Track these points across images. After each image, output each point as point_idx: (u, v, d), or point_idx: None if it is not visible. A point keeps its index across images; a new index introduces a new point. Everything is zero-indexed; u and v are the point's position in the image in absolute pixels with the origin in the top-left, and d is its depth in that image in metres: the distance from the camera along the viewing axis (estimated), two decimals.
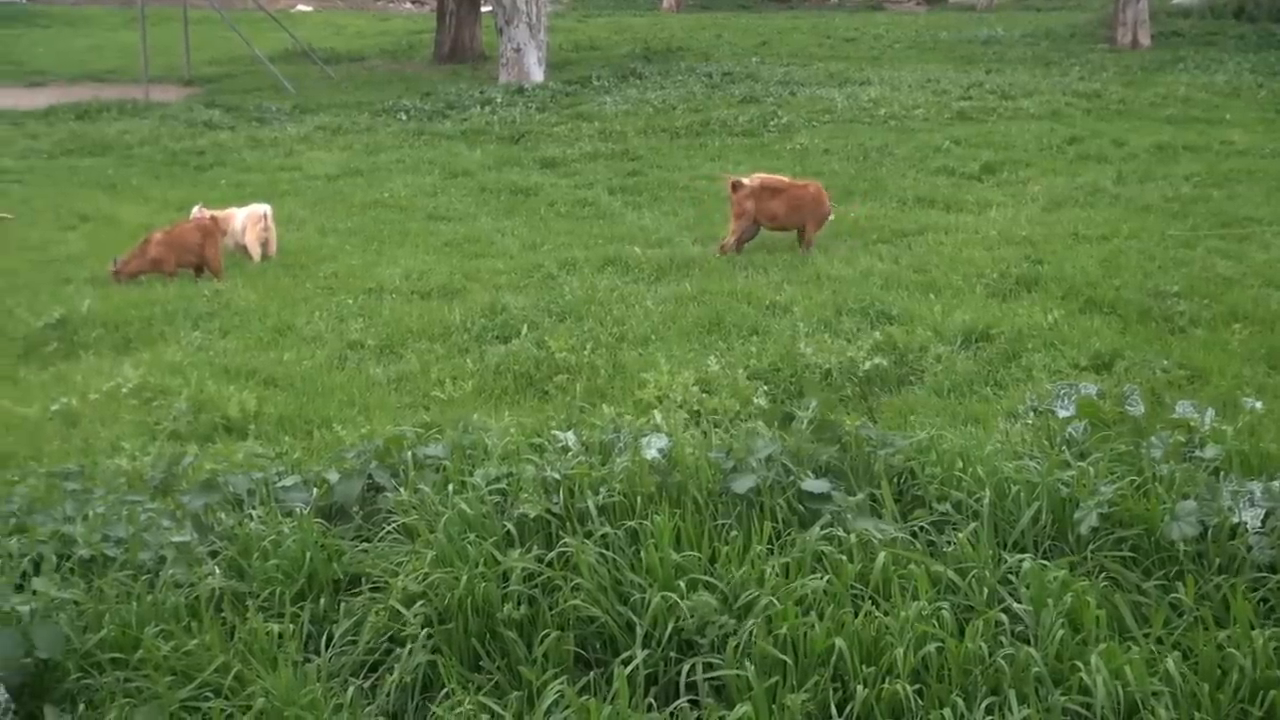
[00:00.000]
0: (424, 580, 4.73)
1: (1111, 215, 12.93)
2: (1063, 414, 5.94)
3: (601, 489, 5.14)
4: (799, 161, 16.28)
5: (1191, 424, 5.69)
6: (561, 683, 4.28)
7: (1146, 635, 4.40)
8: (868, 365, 8.16)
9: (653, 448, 5.39)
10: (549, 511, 5.03)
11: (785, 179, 12.30)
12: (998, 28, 34.62)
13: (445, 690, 4.36)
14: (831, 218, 12.16)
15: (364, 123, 21.30)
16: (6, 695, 4.15)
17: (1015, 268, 10.68)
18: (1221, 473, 5.23)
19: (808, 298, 10.07)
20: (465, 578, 4.64)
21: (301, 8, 45.20)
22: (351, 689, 4.38)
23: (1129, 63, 25.85)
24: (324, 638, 4.69)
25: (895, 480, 5.32)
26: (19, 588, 4.74)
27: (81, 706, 4.32)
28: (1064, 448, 5.60)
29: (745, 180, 11.87)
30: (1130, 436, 5.58)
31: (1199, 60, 25.80)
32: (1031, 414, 6.58)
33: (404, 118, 21.61)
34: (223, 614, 4.79)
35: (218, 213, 12.35)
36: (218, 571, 4.97)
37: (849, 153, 17.06)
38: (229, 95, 25.37)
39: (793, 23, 39.19)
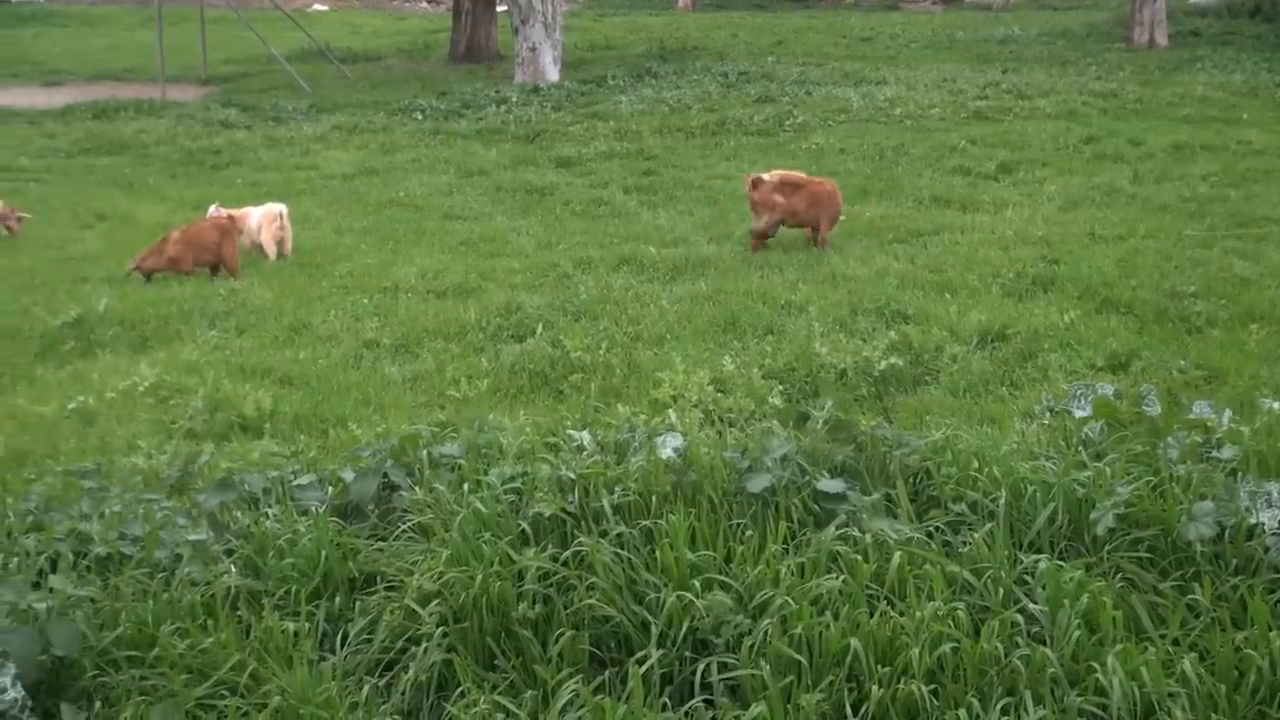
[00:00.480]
0: (439, 579, 4.73)
1: (1128, 215, 12.89)
2: (1079, 414, 5.92)
3: (616, 488, 5.14)
4: (814, 161, 16.26)
5: (1209, 424, 5.66)
6: (576, 682, 4.27)
7: (1163, 636, 4.38)
8: (883, 365, 8.15)
9: (668, 447, 5.38)
10: (564, 511, 5.03)
11: (803, 175, 12.31)
12: (1014, 27, 34.56)
13: (460, 689, 4.37)
14: (842, 218, 12.18)
15: (380, 122, 21.36)
16: (24, 692, 4.17)
17: (1031, 267, 10.65)
18: (1239, 473, 5.21)
19: (823, 297, 10.06)
20: (480, 577, 4.64)
21: (318, 7, 45.31)
22: (367, 687, 4.39)
23: (1146, 62, 25.78)
24: (339, 636, 4.70)
25: (911, 480, 5.31)
26: (36, 585, 4.76)
27: (98, 704, 4.33)
28: (1080, 448, 5.59)
29: (765, 176, 11.86)
30: (1147, 437, 5.56)
31: (1216, 60, 25.72)
32: (1048, 414, 6.56)
33: (420, 117, 21.65)
34: (238, 612, 4.80)
35: (234, 212, 12.39)
36: (233, 570, 4.98)
37: (865, 152, 17.05)
38: (245, 94, 25.46)
39: (808, 22, 39.17)
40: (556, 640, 4.48)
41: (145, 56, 29.65)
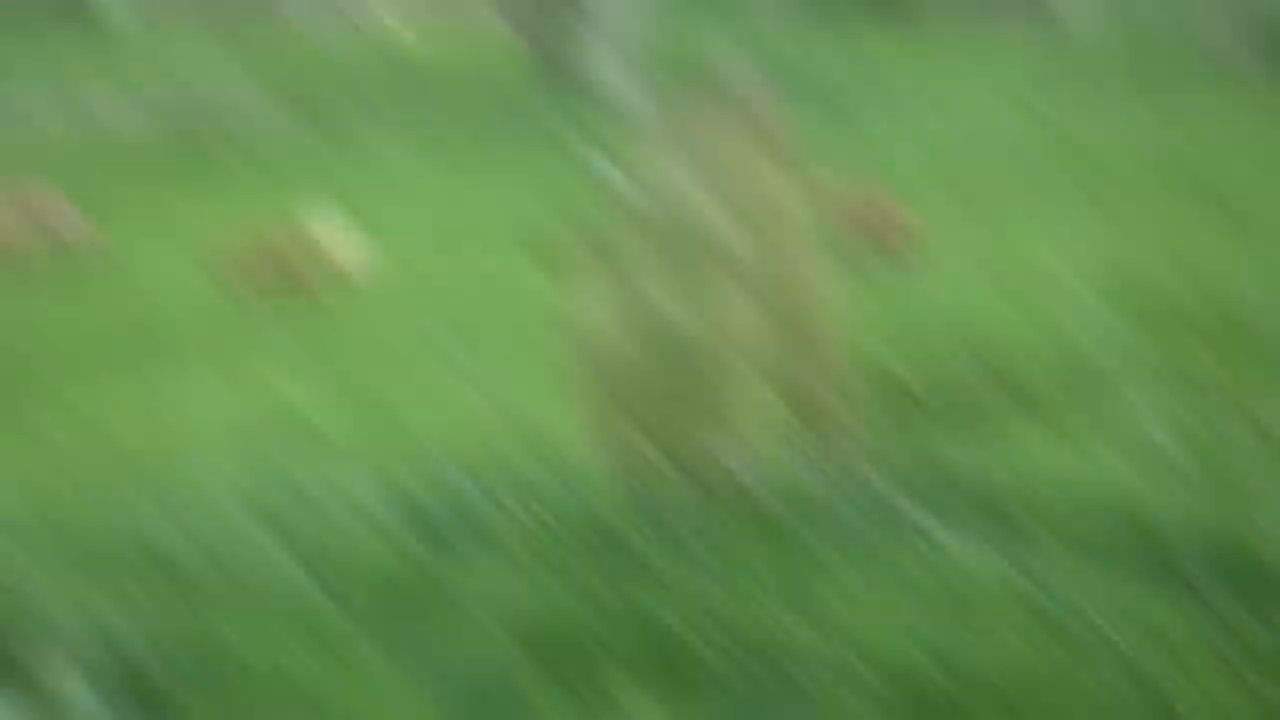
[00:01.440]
0: (511, 593, 4.73)
1: None
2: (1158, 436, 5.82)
3: None
4: None
5: None
6: (640, 698, 4.24)
7: (1253, 670, 4.28)
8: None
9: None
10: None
11: None
12: None
13: (526, 703, 4.34)
14: None
15: None
16: (95, 700, 4.20)
17: None
18: None
19: None
20: (551, 591, 4.63)
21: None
22: (434, 701, 4.38)
23: None
24: (408, 650, 4.69)
25: (985, 499, 5.24)
26: (106, 591, 4.80)
27: (168, 712, 4.35)
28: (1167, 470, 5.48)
29: None
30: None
31: None
32: (1129, 433, 6.46)
33: None
34: (306, 623, 4.81)
35: None
36: (304, 579, 5.00)
37: None
38: None
39: None
40: (621, 655, 4.45)
41: None
